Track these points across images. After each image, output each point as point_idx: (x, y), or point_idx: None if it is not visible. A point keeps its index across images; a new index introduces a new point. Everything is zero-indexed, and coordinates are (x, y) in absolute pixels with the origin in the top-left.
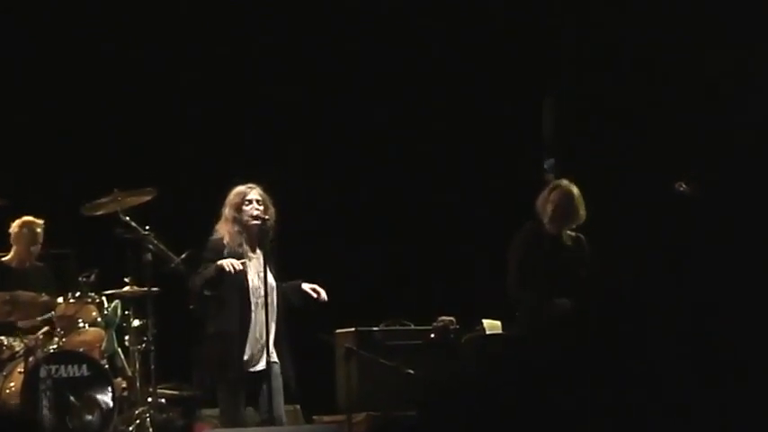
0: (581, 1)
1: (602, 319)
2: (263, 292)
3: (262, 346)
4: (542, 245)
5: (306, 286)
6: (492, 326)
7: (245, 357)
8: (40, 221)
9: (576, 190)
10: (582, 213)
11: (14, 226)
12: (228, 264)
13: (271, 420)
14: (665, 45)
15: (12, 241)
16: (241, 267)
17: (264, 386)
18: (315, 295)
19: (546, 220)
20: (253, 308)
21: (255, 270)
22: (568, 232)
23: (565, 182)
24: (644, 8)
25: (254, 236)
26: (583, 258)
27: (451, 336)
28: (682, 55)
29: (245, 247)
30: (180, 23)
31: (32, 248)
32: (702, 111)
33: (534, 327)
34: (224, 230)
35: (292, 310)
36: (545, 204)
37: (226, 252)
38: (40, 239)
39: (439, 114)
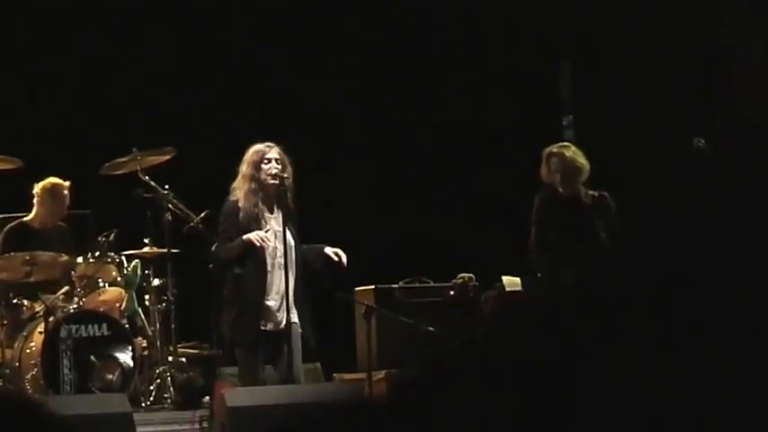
0: None
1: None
2: (280, 252)
3: (280, 306)
4: (560, 209)
5: (329, 250)
6: (511, 282)
7: (264, 317)
8: (66, 183)
9: (568, 149)
10: (585, 164)
11: (41, 188)
12: (257, 238)
13: (290, 379)
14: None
15: (36, 202)
16: (269, 240)
17: (284, 346)
18: (336, 259)
19: (559, 187)
20: (269, 269)
21: (273, 230)
22: (590, 192)
23: (555, 148)
24: None
25: (272, 195)
26: (605, 217)
27: (471, 293)
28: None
29: (261, 207)
30: None
31: (59, 211)
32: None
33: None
34: (240, 189)
35: (311, 272)
36: (550, 174)
37: (241, 215)
38: (67, 201)
39: (455, 75)
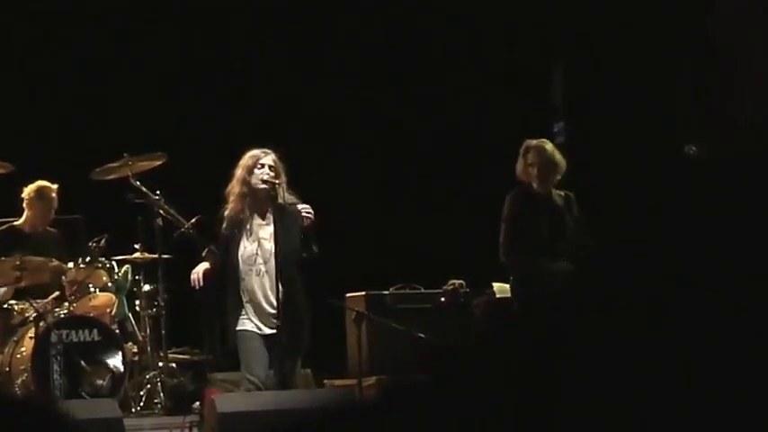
0: None
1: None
2: (260, 260)
3: (265, 312)
4: (534, 206)
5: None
6: (502, 289)
7: (251, 321)
8: (54, 186)
9: (547, 143)
10: (562, 162)
11: (29, 191)
12: (192, 278)
13: (280, 384)
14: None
15: (25, 206)
16: (200, 281)
17: (275, 351)
18: (304, 213)
19: (535, 183)
20: (242, 276)
21: (257, 236)
22: (557, 191)
23: (534, 141)
24: None
25: (262, 200)
26: (573, 216)
27: (462, 299)
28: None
29: (247, 213)
30: None
31: (47, 214)
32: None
33: (529, 293)
34: (232, 193)
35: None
36: (527, 168)
37: (224, 225)
38: (55, 204)
39: (448, 77)
